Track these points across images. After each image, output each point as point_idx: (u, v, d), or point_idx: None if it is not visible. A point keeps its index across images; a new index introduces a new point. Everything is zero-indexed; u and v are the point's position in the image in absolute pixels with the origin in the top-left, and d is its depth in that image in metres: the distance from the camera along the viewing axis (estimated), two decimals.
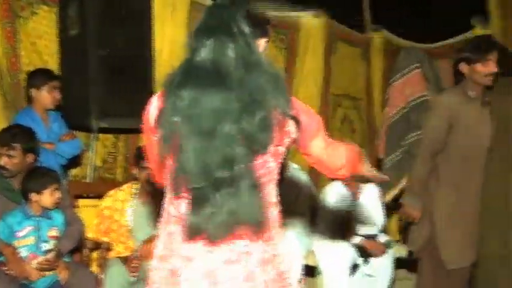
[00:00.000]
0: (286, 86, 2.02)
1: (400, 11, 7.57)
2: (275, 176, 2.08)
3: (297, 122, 2.04)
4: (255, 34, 2.05)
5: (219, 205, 1.92)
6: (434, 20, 7.90)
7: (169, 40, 4.93)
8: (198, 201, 1.95)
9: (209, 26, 2.01)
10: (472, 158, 3.91)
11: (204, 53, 1.97)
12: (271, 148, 1.99)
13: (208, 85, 1.92)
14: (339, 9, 6.40)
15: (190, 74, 1.96)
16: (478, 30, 6.65)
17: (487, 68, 3.80)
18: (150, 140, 2.10)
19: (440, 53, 6.64)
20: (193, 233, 1.97)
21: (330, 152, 2.20)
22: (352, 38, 6.65)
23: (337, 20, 6.34)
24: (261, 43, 2.13)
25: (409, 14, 7.77)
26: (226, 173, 1.90)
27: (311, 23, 6.10)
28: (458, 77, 3.95)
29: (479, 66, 3.81)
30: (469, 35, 6.67)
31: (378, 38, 6.83)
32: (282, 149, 2.05)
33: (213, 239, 1.96)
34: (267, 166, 2.02)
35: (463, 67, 3.88)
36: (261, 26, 2.14)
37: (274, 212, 2.09)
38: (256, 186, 1.96)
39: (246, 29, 2.01)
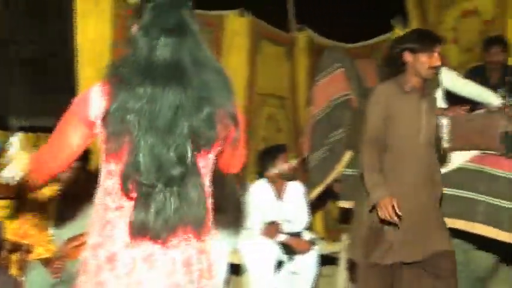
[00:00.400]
0: (232, 86, 2.09)
1: (323, 10, 7.65)
2: (211, 166, 2.15)
3: (236, 121, 2.10)
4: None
5: (166, 203, 1.97)
6: (356, 20, 8.03)
7: (92, 38, 4.84)
8: (145, 199, 1.97)
9: (165, 24, 2.04)
10: (410, 154, 3.72)
11: (163, 52, 2.00)
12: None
13: (168, 83, 1.95)
14: (264, 8, 6.42)
15: (149, 72, 1.98)
16: (398, 31, 6.81)
17: (432, 60, 3.70)
18: (71, 128, 2.09)
19: (362, 52, 6.78)
20: (139, 231, 1.99)
21: (230, 157, 2.24)
22: (276, 37, 6.67)
23: (261, 19, 6.35)
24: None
25: (332, 13, 7.87)
26: (180, 170, 1.95)
27: (236, 21, 6.10)
28: (400, 68, 3.81)
29: (424, 57, 3.71)
30: (389, 35, 6.83)
31: (302, 37, 6.89)
32: (220, 142, 2.10)
33: (157, 237, 2.00)
34: (208, 157, 2.09)
35: (407, 56, 3.75)
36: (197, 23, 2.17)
37: (210, 201, 2.16)
38: (201, 184, 2.03)
39: (196, 28, 2.07)
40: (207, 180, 2.13)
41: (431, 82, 3.95)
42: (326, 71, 5.34)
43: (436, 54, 3.70)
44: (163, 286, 2.03)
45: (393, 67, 3.83)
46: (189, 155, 1.97)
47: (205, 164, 2.10)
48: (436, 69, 3.78)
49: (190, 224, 2.01)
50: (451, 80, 4.83)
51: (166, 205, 1.97)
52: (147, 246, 2.02)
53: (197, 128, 1.97)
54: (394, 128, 3.72)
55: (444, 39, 3.91)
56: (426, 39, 3.75)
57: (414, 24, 7.02)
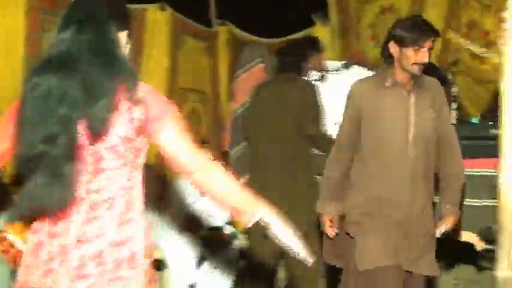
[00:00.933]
0: (133, 73, 2.13)
1: (245, 5, 7.67)
2: (130, 161, 2.16)
3: (142, 109, 2.11)
4: (117, 26, 2.18)
5: (43, 182, 2.04)
6: (278, 15, 8.08)
7: (5, 29, 4.71)
8: (29, 178, 2.05)
9: (70, 16, 2.14)
10: (397, 154, 3.37)
11: (62, 42, 2.09)
12: (120, 133, 2.08)
13: (55, 72, 2.03)
14: (185, 3, 6.39)
15: (45, 62, 2.09)
16: (319, 27, 6.91)
17: (418, 56, 3.28)
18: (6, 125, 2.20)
19: None
20: (31, 208, 2.10)
21: (184, 152, 2.18)
22: (197, 31, 6.66)
23: (182, 13, 6.33)
24: (123, 35, 2.24)
25: (253, 8, 7.89)
26: (43, 149, 2.02)
27: (156, 16, 6.05)
28: (388, 60, 3.41)
29: (410, 51, 3.28)
30: (311, 30, 6.91)
31: (224, 32, 6.89)
32: (131, 135, 2.12)
33: (50, 214, 2.09)
34: (116, 150, 2.10)
35: (393, 46, 3.34)
36: (122, 19, 2.25)
37: (130, 195, 2.18)
38: (73, 168, 2.06)
39: (106, 21, 2.14)
40: (122, 171, 2.16)
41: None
42: (246, 66, 5.38)
43: (424, 50, 3.29)
44: (71, 278, 2.10)
45: (385, 58, 3.44)
46: (63, 137, 2.03)
47: (116, 155, 2.13)
48: (422, 66, 3.34)
49: (54, 205, 2.07)
50: (360, 75, 4.96)
51: (44, 184, 2.04)
52: (62, 240, 2.10)
53: (87, 114, 2.03)
54: (376, 128, 3.41)
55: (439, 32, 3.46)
56: (416, 31, 3.28)
57: (334, 19, 7.13)
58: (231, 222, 5.31)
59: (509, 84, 2.15)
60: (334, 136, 4.49)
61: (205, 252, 4.89)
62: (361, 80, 3.60)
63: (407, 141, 3.35)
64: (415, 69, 3.32)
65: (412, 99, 3.38)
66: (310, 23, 7.04)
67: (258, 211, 2.22)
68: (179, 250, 4.77)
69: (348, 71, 5.16)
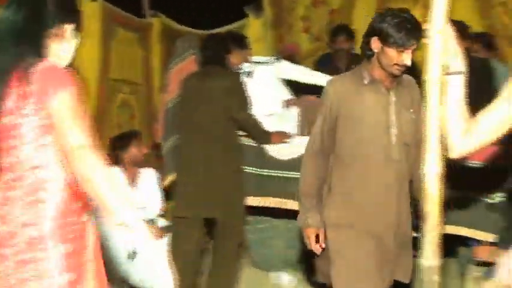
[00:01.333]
0: (38, 55, 2.19)
1: None
2: (35, 139, 2.20)
3: (36, 85, 2.15)
4: (62, 18, 2.27)
5: None
6: (211, 6, 8.07)
7: None
8: None
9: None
10: (379, 158, 3.15)
11: None
12: (16, 110, 2.16)
13: None
14: None
15: None
16: (252, 19, 6.93)
17: (401, 57, 3.02)
18: None
19: None
20: None
21: (66, 128, 2.16)
22: (130, 22, 6.59)
23: (114, 4, 6.25)
24: (67, 28, 2.30)
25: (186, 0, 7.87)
26: None
27: (87, 6, 5.94)
28: (367, 54, 3.17)
29: (393, 52, 3.02)
30: (244, 21, 6.93)
31: (156, 23, 6.85)
32: (28, 112, 2.16)
33: None
34: (18, 128, 2.17)
35: (375, 42, 3.08)
36: (68, 11, 2.33)
37: (39, 174, 2.21)
38: None
39: (41, 7, 2.22)
40: (29, 148, 2.19)
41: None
42: (179, 58, 5.38)
43: (408, 52, 3.02)
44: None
45: (365, 51, 3.17)
46: None
47: (13, 129, 2.18)
48: (404, 68, 3.10)
49: None
50: (288, 70, 5.05)
51: None
52: (8, 222, 2.19)
53: None
54: (356, 129, 3.15)
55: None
56: (403, 30, 2.98)
57: (268, 11, 7.15)
58: (163, 215, 5.29)
59: (433, 78, 2.21)
60: (264, 125, 4.59)
61: (137, 244, 4.85)
62: (336, 78, 3.36)
63: (390, 143, 3.14)
64: (395, 71, 3.09)
65: (393, 98, 3.17)
66: (244, 15, 7.05)
67: (122, 213, 2.18)
68: (111, 243, 4.72)
69: (278, 64, 5.21)
